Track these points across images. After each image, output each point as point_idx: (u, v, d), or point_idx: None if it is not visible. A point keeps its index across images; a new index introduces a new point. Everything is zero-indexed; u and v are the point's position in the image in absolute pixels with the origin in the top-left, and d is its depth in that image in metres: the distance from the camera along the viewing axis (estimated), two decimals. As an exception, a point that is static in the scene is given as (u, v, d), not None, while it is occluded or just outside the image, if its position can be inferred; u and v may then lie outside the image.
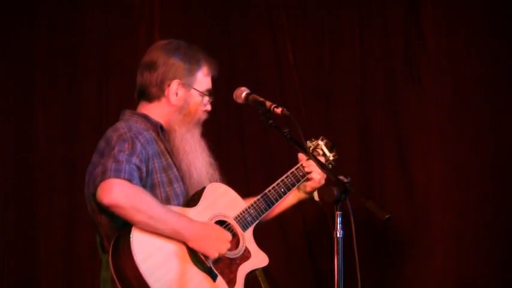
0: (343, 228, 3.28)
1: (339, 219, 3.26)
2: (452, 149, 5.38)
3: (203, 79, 3.77)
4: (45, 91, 5.35)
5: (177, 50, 3.75)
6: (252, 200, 3.79)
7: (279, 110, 3.54)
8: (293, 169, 3.88)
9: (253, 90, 3.72)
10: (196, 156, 3.73)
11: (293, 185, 3.87)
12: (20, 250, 5.32)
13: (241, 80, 5.34)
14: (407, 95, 5.46)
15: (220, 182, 3.80)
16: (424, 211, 5.38)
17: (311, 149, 3.98)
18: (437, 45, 5.43)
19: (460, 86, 5.40)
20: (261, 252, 3.73)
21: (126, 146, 3.51)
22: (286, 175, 3.87)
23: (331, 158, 4.02)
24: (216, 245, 3.53)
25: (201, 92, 3.74)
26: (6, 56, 5.29)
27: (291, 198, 3.95)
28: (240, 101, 3.70)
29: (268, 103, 3.60)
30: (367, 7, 5.51)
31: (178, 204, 3.63)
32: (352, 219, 3.32)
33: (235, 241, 3.68)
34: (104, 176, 3.42)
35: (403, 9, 5.46)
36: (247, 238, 3.71)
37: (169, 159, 3.69)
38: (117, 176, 3.41)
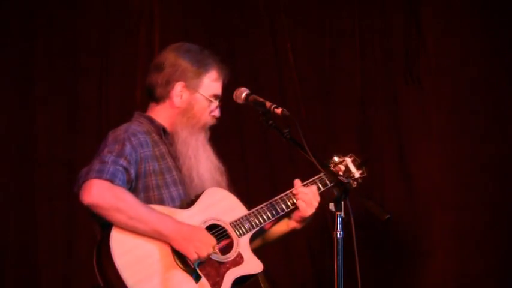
0: (343, 228, 3.28)
1: (338, 220, 3.26)
2: (452, 148, 5.38)
3: (211, 84, 3.73)
4: (45, 91, 5.34)
5: (186, 53, 3.73)
6: (254, 208, 3.73)
7: (279, 110, 3.54)
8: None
9: (253, 90, 3.72)
10: (199, 161, 3.69)
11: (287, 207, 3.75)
12: (20, 251, 5.31)
13: (241, 80, 5.32)
14: (407, 95, 5.47)
15: (227, 188, 3.75)
16: (424, 211, 5.39)
17: (333, 164, 3.91)
18: (437, 45, 5.43)
19: (460, 86, 5.40)
20: (256, 259, 3.65)
21: (116, 147, 3.51)
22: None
23: (356, 175, 3.94)
24: (198, 247, 3.47)
25: (206, 97, 3.71)
26: (6, 56, 5.28)
27: (283, 226, 3.85)
28: (240, 101, 3.69)
29: (268, 103, 3.59)
30: (367, 7, 5.52)
31: (173, 208, 3.59)
32: (352, 220, 3.32)
33: (229, 246, 3.63)
34: (86, 176, 3.43)
35: (403, 9, 5.47)
36: (242, 244, 3.64)
37: (170, 163, 3.67)
38: (99, 177, 3.42)
